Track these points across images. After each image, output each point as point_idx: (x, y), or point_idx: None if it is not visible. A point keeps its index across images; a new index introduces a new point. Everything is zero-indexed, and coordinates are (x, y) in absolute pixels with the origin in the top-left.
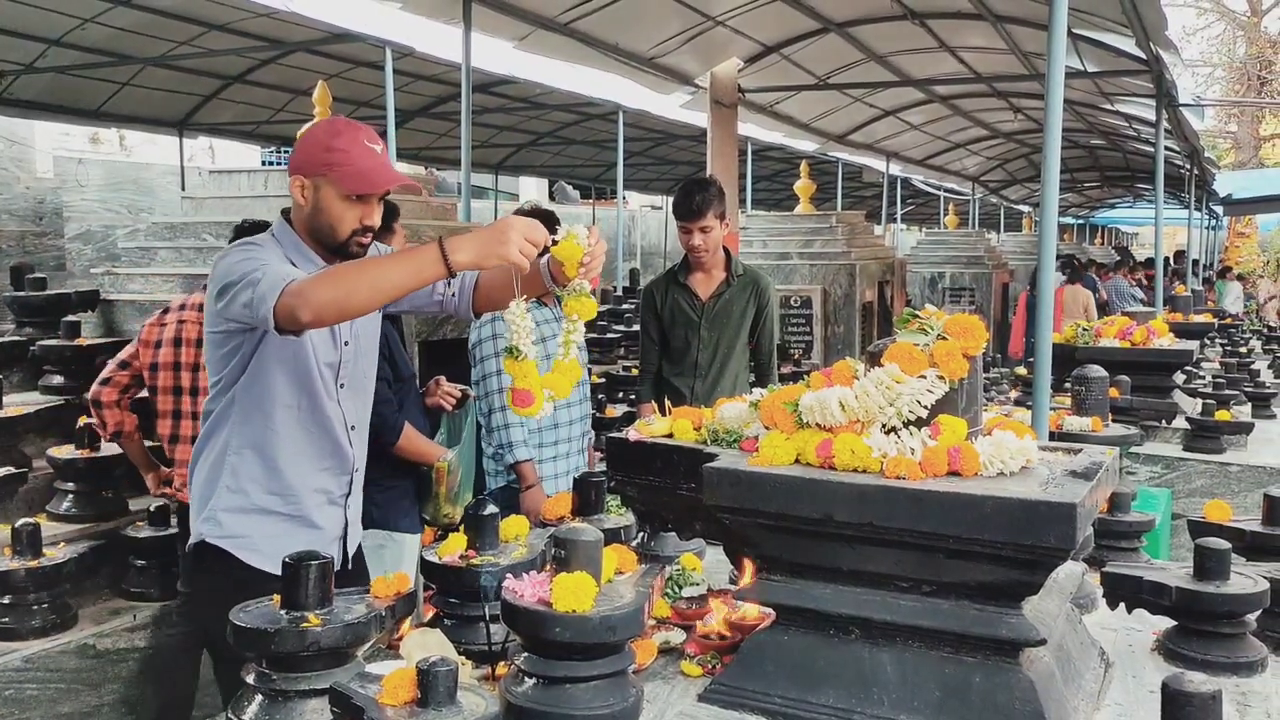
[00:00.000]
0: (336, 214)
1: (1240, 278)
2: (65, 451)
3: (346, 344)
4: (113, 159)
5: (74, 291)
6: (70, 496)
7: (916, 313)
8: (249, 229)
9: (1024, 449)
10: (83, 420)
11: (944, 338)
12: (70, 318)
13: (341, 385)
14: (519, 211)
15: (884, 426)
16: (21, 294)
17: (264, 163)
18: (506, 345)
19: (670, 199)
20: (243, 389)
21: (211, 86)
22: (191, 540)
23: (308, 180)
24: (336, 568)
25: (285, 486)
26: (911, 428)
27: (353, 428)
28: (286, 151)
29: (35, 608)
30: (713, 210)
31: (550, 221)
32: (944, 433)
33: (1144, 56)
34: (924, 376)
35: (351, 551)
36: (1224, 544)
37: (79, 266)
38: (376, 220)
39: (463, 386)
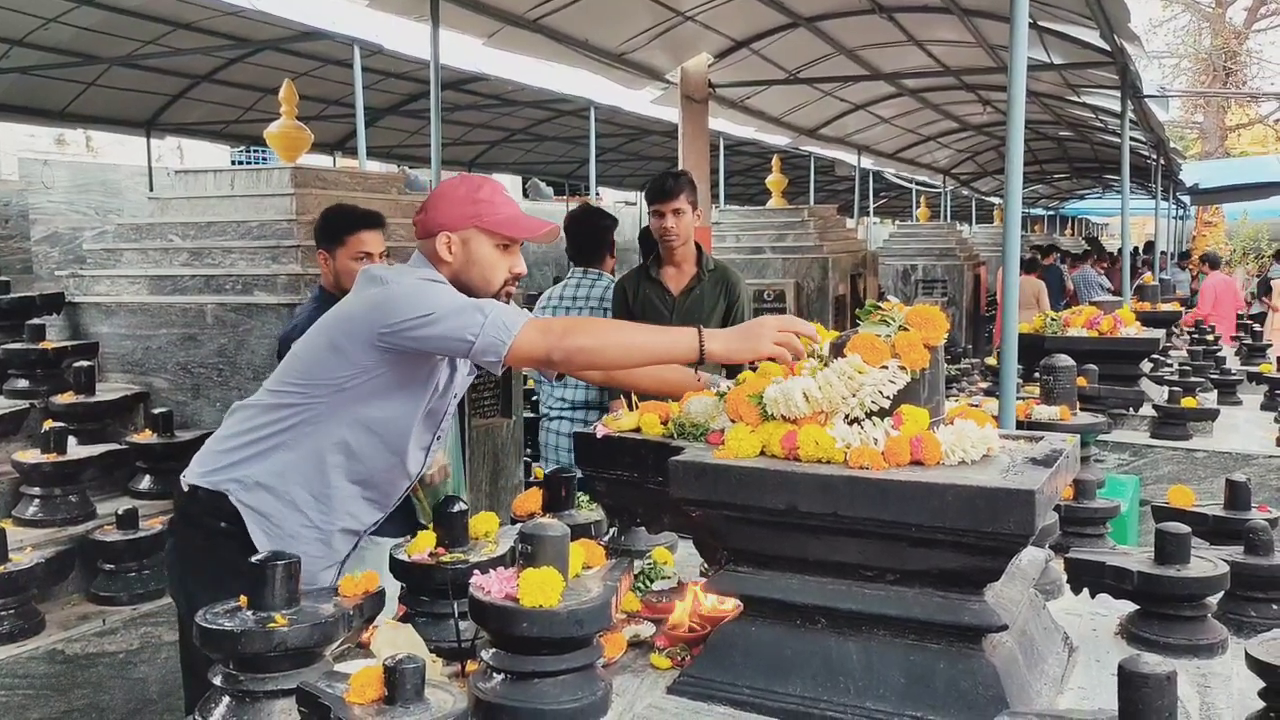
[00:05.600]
0: (489, 263)
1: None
2: (31, 455)
3: (456, 396)
4: (79, 160)
5: (38, 294)
6: (36, 501)
7: (879, 304)
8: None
9: (985, 437)
10: (48, 423)
11: (905, 329)
12: (35, 321)
13: (438, 437)
14: (572, 213)
15: (847, 417)
16: None
17: (234, 162)
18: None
19: (644, 194)
20: (347, 402)
21: (179, 86)
22: (203, 484)
23: (455, 235)
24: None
25: (325, 495)
26: (874, 418)
27: (417, 478)
28: (256, 150)
29: (2, 614)
30: (685, 194)
31: (605, 221)
32: (906, 422)
33: (1108, 48)
34: (886, 367)
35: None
36: (1184, 528)
37: (46, 269)
38: (523, 269)
39: None
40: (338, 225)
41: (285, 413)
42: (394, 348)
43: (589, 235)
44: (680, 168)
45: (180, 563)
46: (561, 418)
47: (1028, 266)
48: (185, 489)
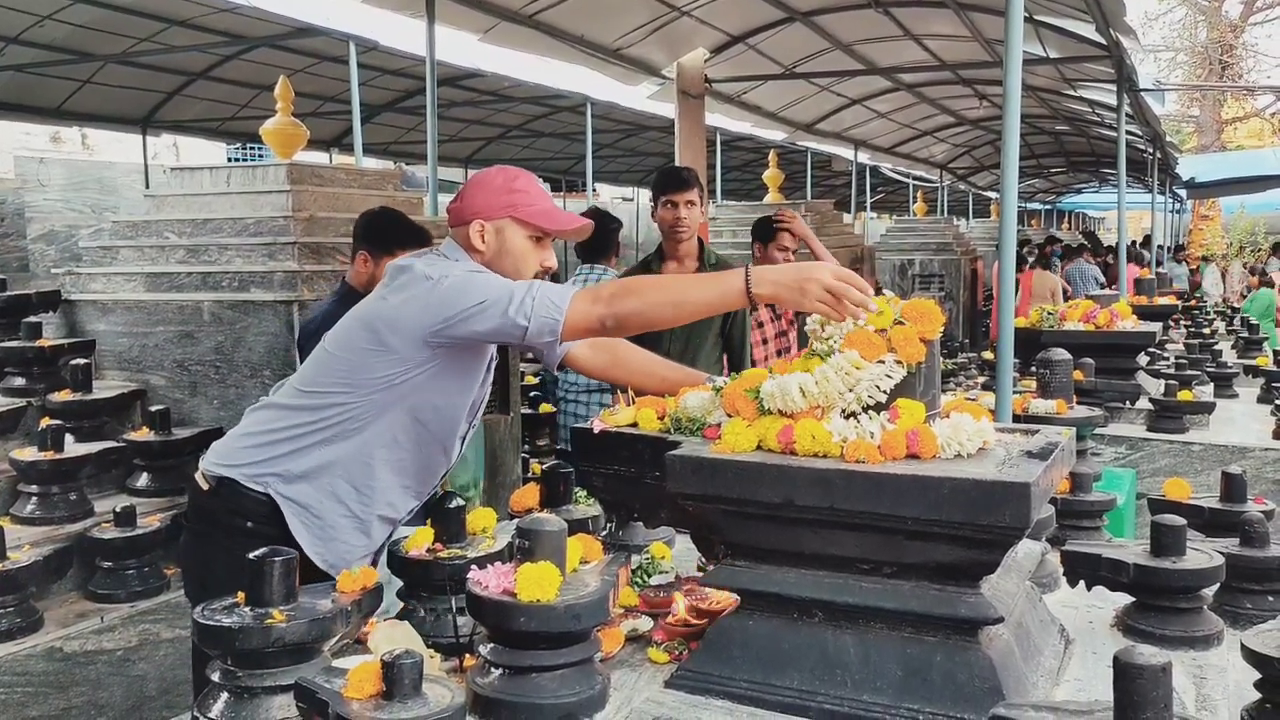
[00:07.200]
0: (520, 254)
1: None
2: (28, 454)
3: (489, 387)
4: (75, 158)
5: (34, 292)
6: (34, 499)
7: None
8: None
9: (981, 431)
10: (45, 421)
11: (901, 323)
12: (31, 319)
13: (473, 426)
14: (583, 215)
15: (844, 411)
16: None
17: (229, 159)
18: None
19: (641, 190)
20: (397, 396)
21: (174, 83)
22: (234, 476)
23: (489, 224)
24: None
25: (368, 486)
26: (871, 412)
27: (451, 464)
28: (252, 148)
29: (0, 612)
30: (696, 187)
31: (613, 224)
32: (902, 416)
33: (1104, 42)
34: (882, 362)
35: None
36: (1179, 520)
37: (42, 268)
38: (553, 262)
39: None
40: (393, 236)
41: (329, 412)
42: (447, 341)
43: (598, 236)
44: (680, 163)
45: (196, 559)
46: (577, 401)
47: (1042, 264)
48: (206, 485)
